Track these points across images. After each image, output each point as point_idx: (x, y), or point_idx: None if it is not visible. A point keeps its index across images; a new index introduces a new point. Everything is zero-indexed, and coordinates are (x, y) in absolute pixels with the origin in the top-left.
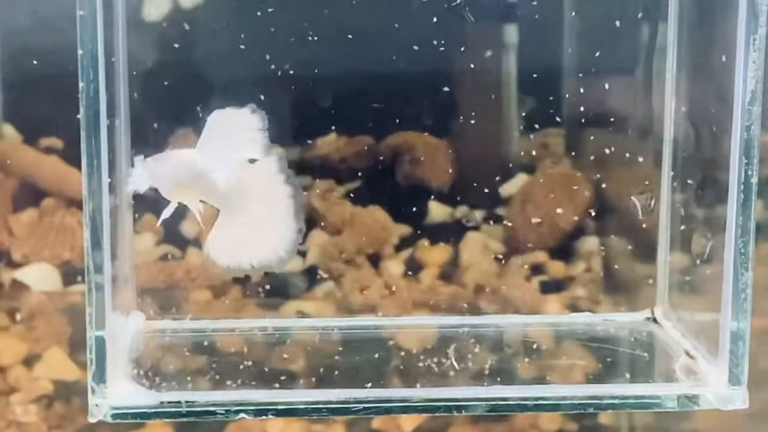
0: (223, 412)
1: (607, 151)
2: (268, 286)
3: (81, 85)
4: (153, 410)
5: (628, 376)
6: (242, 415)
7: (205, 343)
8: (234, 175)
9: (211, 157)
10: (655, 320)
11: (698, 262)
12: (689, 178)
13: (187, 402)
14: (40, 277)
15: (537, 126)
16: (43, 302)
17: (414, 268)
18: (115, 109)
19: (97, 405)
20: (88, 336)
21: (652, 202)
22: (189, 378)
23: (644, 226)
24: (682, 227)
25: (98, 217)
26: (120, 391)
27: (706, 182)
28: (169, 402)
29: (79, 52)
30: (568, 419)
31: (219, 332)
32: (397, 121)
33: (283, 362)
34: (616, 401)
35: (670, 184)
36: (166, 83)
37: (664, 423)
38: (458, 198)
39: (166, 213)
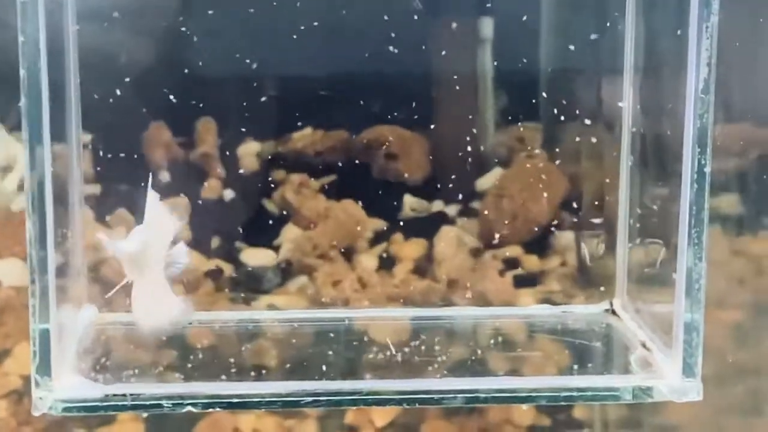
0: (170, 405)
1: (583, 145)
2: (240, 281)
3: (22, 72)
4: (98, 403)
5: (585, 368)
6: (189, 407)
7: (159, 336)
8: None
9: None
10: (613, 312)
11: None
12: (647, 170)
13: (132, 395)
14: (10, 272)
15: (513, 119)
16: (12, 297)
17: (388, 262)
18: (64, 99)
19: (40, 398)
20: (31, 328)
21: (602, 247)
22: (138, 370)
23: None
24: (641, 219)
25: (41, 207)
26: (65, 384)
27: (663, 174)
28: (114, 395)
29: (20, 39)
30: (542, 414)
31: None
32: (373, 115)
33: (239, 354)
34: (573, 393)
35: (629, 175)
36: (126, 76)
37: (637, 417)
38: (434, 192)
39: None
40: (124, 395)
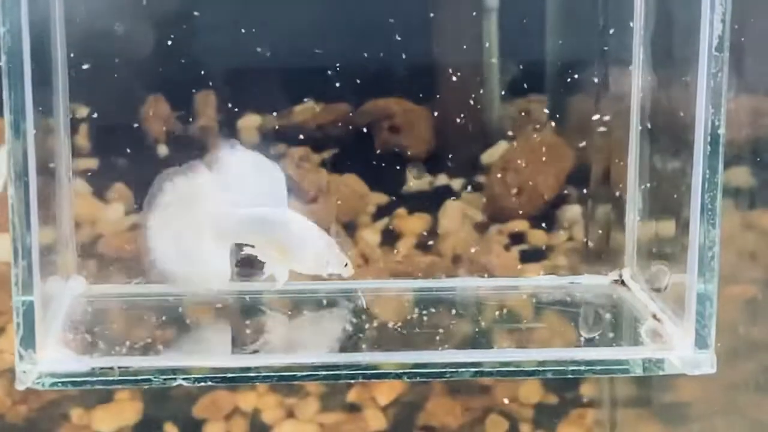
0: (160, 379)
1: (590, 117)
2: (240, 256)
3: (2, 31)
4: (84, 377)
5: (594, 340)
6: (181, 382)
7: (148, 308)
8: None
9: None
10: (623, 282)
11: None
12: (658, 137)
13: (120, 368)
14: (5, 248)
15: (519, 92)
16: (5, 273)
17: (391, 237)
18: (50, 69)
19: (24, 371)
20: (14, 300)
21: (600, 323)
22: (127, 343)
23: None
24: (650, 188)
25: (24, 175)
26: (49, 357)
27: (673, 141)
28: (101, 368)
29: None
30: (549, 392)
31: (164, 297)
32: (376, 87)
33: (230, 328)
34: (581, 366)
35: (638, 143)
36: (124, 48)
37: (646, 394)
38: (438, 166)
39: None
40: (111, 368)
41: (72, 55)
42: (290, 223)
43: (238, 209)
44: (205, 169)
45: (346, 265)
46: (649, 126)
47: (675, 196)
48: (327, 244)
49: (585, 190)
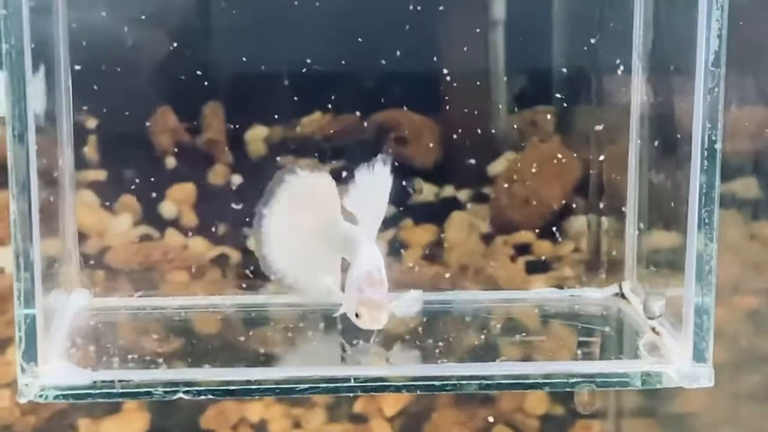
0: (161, 392)
1: (597, 128)
2: (248, 268)
3: (5, 46)
4: (86, 390)
5: (594, 353)
6: (181, 395)
7: (151, 321)
8: None
9: None
10: (622, 296)
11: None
12: (656, 151)
13: (121, 381)
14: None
15: (525, 103)
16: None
17: (398, 248)
18: (54, 79)
19: (26, 384)
20: (16, 313)
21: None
22: (129, 356)
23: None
24: (650, 202)
25: (26, 187)
26: (51, 371)
27: (672, 154)
28: (103, 381)
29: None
30: (555, 403)
31: (167, 310)
32: (383, 99)
33: (233, 340)
34: (580, 379)
35: (637, 155)
36: (132, 60)
37: (652, 405)
38: (444, 177)
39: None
40: (112, 382)
41: (78, 66)
42: (361, 257)
43: (344, 223)
44: (326, 174)
45: (357, 316)
46: (648, 139)
47: (674, 209)
48: (364, 289)
49: (589, 202)
